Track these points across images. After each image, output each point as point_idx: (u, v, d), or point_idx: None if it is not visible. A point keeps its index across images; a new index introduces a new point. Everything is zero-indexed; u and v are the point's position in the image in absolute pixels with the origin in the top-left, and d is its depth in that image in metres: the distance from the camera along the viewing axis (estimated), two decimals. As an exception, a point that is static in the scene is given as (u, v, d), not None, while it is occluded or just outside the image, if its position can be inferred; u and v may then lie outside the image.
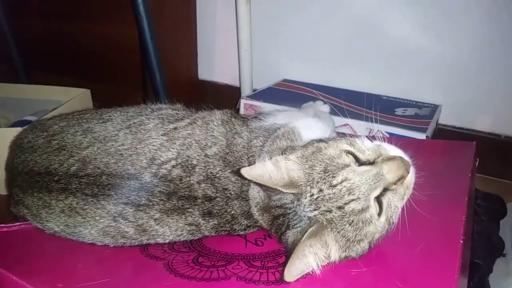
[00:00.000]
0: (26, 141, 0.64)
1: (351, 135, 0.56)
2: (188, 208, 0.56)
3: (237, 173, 0.51)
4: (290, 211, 0.50)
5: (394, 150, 0.53)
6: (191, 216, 0.57)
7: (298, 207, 0.50)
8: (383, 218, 0.50)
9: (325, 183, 0.49)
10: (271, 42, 1.32)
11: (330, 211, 0.48)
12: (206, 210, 0.57)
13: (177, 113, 0.66)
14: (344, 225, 0.48)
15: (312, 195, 0.49)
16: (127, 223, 0.55)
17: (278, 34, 1.32)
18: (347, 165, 0.50)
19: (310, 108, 0.88)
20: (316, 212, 0.48)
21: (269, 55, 1.34)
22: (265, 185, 0.50)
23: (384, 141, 0.54)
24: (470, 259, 0.66)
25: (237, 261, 0.53)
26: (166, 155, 0.57)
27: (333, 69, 1.28)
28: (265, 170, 0.49)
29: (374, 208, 0.49)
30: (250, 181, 0.51)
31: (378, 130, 0.97)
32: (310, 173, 0.50)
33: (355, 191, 0.48)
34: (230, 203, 0.57)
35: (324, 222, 0.48)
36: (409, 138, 0.95)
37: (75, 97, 1.08)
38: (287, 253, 0.50)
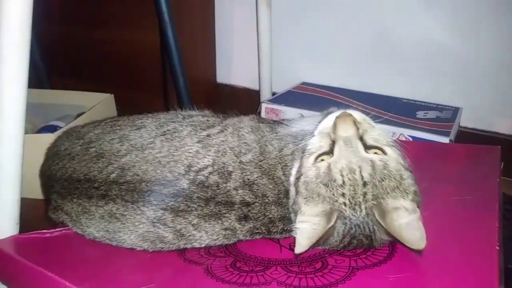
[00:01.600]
0: (63, 148, 0.66)
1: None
2: (225, 213, 0.58)
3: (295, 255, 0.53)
4: (353, 230, 0.52)
5: (327, 120, 0.56)
6: (228, 221, 0.58)
7: (352, 221, 0.51)
8: (387, 149, 0.52)
9: (337, 189, 0.51)
10: (290, 45, 1.33)
11: (365, 193, 0.50)
12: (242, 215, 0.58)
13: (207, 120, 0.67)
14: (382, 186, 0.50)
15: (345, 203, 0.51)
16: (166, 228, 0.57)
17: (297, 37, 1.33)
18: (328, 164, 0.52)
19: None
20: (363, 206, 0.51)
21: (288, 58, 1.35)
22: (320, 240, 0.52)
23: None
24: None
25: (274, 266, 0.54)
26: (203, 162, 0.59)
27: (352, 72, 1.29)
28: (307, 232, 0.51)
29: (373, 155, 0.52)
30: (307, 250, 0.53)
31: (401, 134, 0.98)
32: (324, 198, 0.51)
33: (353, 166, 0.51)
34: (268, 207, 0.58)
35: (374, 202, 0.50)
36: (432, 142, 0.95)
37: (100, 102, 1.10)
38: (397, 242, 0.52)
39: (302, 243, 0.51)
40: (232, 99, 1.46)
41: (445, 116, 1.08)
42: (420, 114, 1.10)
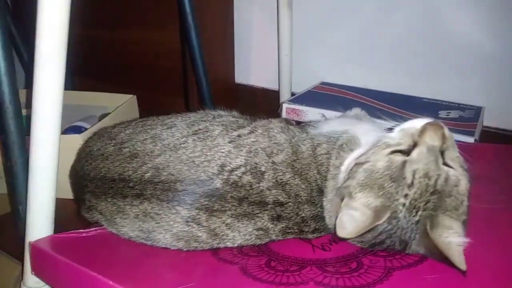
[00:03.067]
0: (95, 148, 0.67)
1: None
2: (258, 213, 0.58)
3: (337, 238, 0.54)
4: (394, 231, 0.52)
5: (415, 122, 0.56)
6: (261, 221, 0.58)
7: (399, 223, 0.51)
8: (459, 171, 0.53)
9: (403, 188, 0.51)
10: (309, 45, 1.33)
11: (428, 201, 0.51)
12: (275, 215, 0.58)
13: (237, 120, 0.68)
14: (446, 200, 0.51)
15: (404, 204, 0.51)
16: (200, 228, 0.57)
17: (316, 37, 1.33)
18: (404, 161, 0.52)
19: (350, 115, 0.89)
20: (420, 212, 0.51)
21: (307, 58, 1.34)
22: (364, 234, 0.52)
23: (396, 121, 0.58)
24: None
25: (309, 266, 0.54)
26: (235, 162, 0.59)
27: (372, 71, 1.28)
28: (356, 220, 0.52)
29: (449, 171, 0.52)
30: (350, 239, 0.54)
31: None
32: (385, 192, 0.52)
33: (430, 173, 0.51)
34: (301, 207, 0.58)
35: (433, 212, 0.51)
36: (457, 142, 0.94)
37: (124, 103, 1.11)
38: (433, 257, 0.52)
39: (348, 229, 0.52)
40: (250, 99, 1.46)
41: (468, 116, 1.07)
42: (443, 113, 1.09)
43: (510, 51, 1.10)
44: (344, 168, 0.59)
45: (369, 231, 0.52)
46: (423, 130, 0.54)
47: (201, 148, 0.60)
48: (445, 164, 0.53)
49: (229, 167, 0.59)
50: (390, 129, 0.58)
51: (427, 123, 0.54)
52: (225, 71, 1.46)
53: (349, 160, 0.59)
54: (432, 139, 0.53)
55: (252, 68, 1.47)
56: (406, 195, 0.51)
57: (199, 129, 0.63)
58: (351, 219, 0.52)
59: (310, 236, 0.61)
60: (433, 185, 0.51)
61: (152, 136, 0.64)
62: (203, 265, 0.55)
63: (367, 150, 0.57)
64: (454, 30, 1.14)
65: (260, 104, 1.43)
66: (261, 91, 1.45)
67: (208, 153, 0.60)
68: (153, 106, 1.29)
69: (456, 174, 0.53)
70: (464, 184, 0.53)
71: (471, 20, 1.12)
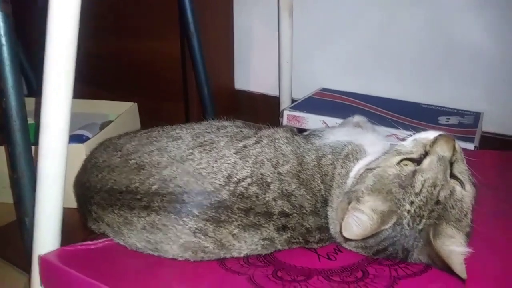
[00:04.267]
0: (101, 160, 0.67)
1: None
2: (264, 224, 0.59)
3: (343, 237, 0.55)
4: (397, 238, 0.53)
5: (429, 134, 0.58)
6: (266, 231, 0.59)
7: (403, 230, 0.53)
8: (467, 186, 0.55)
9: (410, 195, 0.53)
10: (308, 51, 1.34)
11: (433, 211, 0.52)
12: (281, 225, 0.59)
13: (241, 131, 0.68)
14: (450, 211, 0.53)
15: (409, 211, 0.52)
16: (207, 239, 0.58)
17: (316, 43, 1.34)
18: (414, 171, 0.54)
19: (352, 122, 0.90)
20: (424, 221, 0.52)
21: (307, 64, 1.36)
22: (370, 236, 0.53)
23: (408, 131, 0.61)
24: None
25: (316, 276, 0.55)
26: (241, 173, 0.60)
27: (372, 77, 1.29)
28: (362, 223, 0.53)
29: (456, 184, 0.54)
30: (355, 240, 0.55)
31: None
32: (392, 198, 0.53)
33: (437, 182, 0.53)
34: (305, 218, 0.59)
35: (436, 222, 0.52)
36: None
37: (125, 111, 1.11)
38: (435, 265, 0.54)
39: (355, 232, 0.53)
40: (250, 105, 1.47)
41: (467, 122, 1.09)
42: (443, 119, 1.10)
43: (508, 58, 1.11)
44: (353, 174, 0.60)
45: (373, 236, 0.54)
46: (435, 141, 0.56)
47: (208, 159, 0.61)
48: (453, 175, 0.55)
49: (235, 178, 0.59)
50: (403, 140, 0.60)
51: (440, 135, 0.57)
52: (225, 77, 1.47)
53: (359, 166, 0.61)
54: (443, 150, 0.55)
55: (252, 74, 1.48)
56: (412, 202, 0.52)
57: (205, 141, 0.64)
58: (357, 221, 0.53)
59: (315, 246, 0.61)
60: (437, 194, 0.52)
61: (158, 148, 0.64)
62: (211, 276, 0.56)
63: (378, 157, 0.59)
64: (454, 37, 1.15)
65: (260, 110, 1.44)
66: (261, 97, 1.46)
67: (214, 165, 0.60)
68: (153, 114, 1.29)
69: (462, 190, 0.54)
70: (469, 198, 0.54)
71: (470, 27, 1.13)
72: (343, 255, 0.60)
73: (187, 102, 1.32)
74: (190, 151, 0.62)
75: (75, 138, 1.09)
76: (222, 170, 0.60)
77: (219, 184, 0.59)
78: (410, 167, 0.55)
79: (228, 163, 0.61)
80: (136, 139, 0.68)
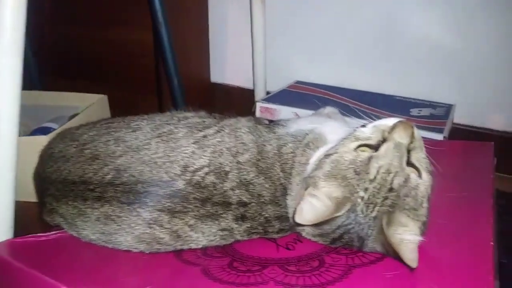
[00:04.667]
0: (57, 150, 0.65)
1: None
2: (222, 214, 0.58)
3: (295, 223, 0.54)
4: (351, 226, 0.52)
5: (388, 120, 0.57)
6: (225, 221, 0.58)
7: (357, 217, 0.52)
8: (423, 174, 0.54)
9: (364, 181, 0.52)
10: (284, 43, 1.34)
11: (386, 198, 0.51)
12: (239, 215, 0.58)
13: (203, 121, 0.67)
14: (404, 199, 0.51)
15: (363, 198, 0.51)
16: (162, 230, 0.56)
17: (290, 35, 1.33)
18: (370, 157, 0.53)
19: (323, 114, 0.89)
20: (377, 208, 0.51)
21: (281, 56, 1.35)
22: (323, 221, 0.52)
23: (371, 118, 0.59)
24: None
25: (271, 266, 0.54)
26: (199, 163, 0.58)
27: (346, 70, 1.29)
28: (315, 209, 0.52)
29: (412, 172, 0.53)
30: (307, 225, 0.54)
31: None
32: (347, 184, 0.52)
33: (391, 169, 0.52)
34: (264, 207, 0.58)
35: (390, 209, 0.51)
36: (426, 139, 0.96)
37: (93, 104, 1.09)
38: (388, 254, 0.53)
39: (306, 217, 0.52)
40: (226, 98, 1.46)
41: (438, 113, 1.09)
42: (414, 111, 1.11)
43: (479, 50, 1.12)
44: (313, 160, 0.59)
45: (327, 222, 0.53)
46: (393, 127, 0.55)
47: (164, 149, 0.59)
48: (410, 163, 0.54)
49: (192, 168, 0.58)
50: (363, 126, 0.59)
51: (399, 121, 0.55)
52: (200, 70, 1.45)
53: (319, 153, 0.59)
54: (400, 136, 0.54)
55: (228, 67, 1.46)
56: (366, 189, 0.51)
57: (163, 132, 0.62)
58: (311, 207, 0.52)
59: (275, 236, 0.60)
60: (391, 182, 0.52)
61: (116, 138, 0.62)
62: (164, 267, 0.54)
63: (337, 143, 0.58)
64: (425, 29, 1.15)
65: (236, 103, 1.43)
66: (236, 90, 1.45)
67: (170, 154, 0.59)
68: (126, 106, 1.27)
69: (418, 178, 0.53)
70: (424, 187, 0.53)
71: (440, 20, 1.14)
72: (302, 245, 0.59)
73: (161, 94, 1.30)
74: (147, 141, 0.61)
75: (41, 131, 1.06)
76: (178, 159, 0.58)
77: (175, 174, 0.57)
78: (367, 153, 0.54)
79: (186, 153, 0.59)
80: (94, 130, 0.66)
